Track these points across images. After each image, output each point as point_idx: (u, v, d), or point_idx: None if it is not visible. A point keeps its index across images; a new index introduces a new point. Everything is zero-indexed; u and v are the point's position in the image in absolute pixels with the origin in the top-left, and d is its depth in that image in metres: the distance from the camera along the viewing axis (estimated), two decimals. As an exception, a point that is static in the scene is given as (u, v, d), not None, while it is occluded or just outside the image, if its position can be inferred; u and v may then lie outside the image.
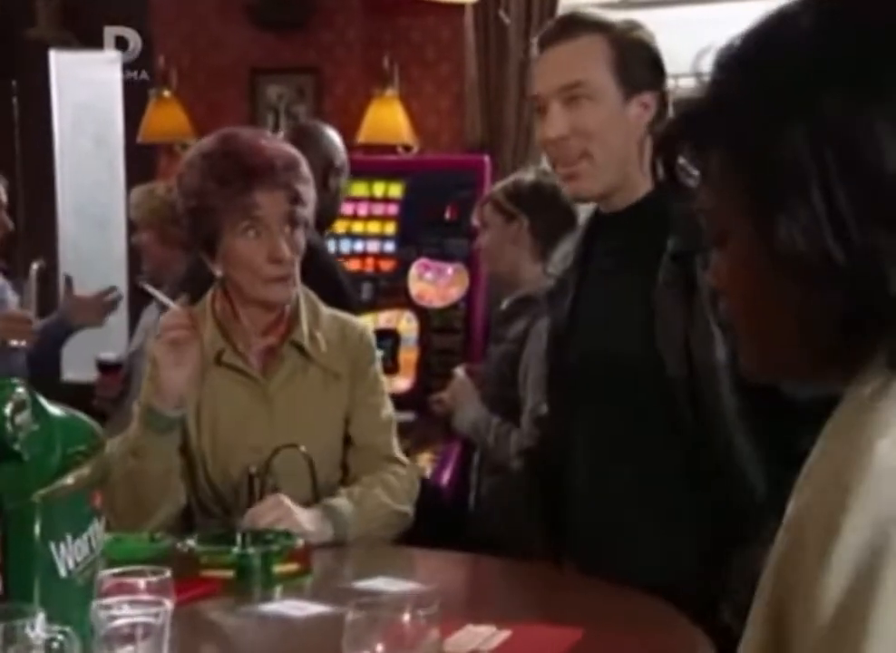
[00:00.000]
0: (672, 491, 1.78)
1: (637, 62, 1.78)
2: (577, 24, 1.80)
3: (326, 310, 2.15)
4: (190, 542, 1.82)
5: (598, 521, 1.85)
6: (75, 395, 3.36)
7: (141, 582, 1.29)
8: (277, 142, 2.07)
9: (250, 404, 2.05)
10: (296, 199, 2.00)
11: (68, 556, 1.27)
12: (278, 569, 1.78)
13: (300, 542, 1.82)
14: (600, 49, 1.77)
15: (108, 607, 1.22)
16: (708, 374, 1.72)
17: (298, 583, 1.77)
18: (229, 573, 1.77)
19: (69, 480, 1.29)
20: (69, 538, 1.27)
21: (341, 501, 1.98)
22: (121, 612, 1.21)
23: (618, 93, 1.77)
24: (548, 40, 1.82)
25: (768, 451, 1.71)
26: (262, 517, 1.88)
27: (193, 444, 2.05)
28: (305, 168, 2.04)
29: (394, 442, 2.12)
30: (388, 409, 2.13)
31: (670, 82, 1.85)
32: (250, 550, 1.79)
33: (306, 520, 1.91)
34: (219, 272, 2.05)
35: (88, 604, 1.23)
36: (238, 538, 1.82)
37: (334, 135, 3.04)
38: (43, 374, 3.25)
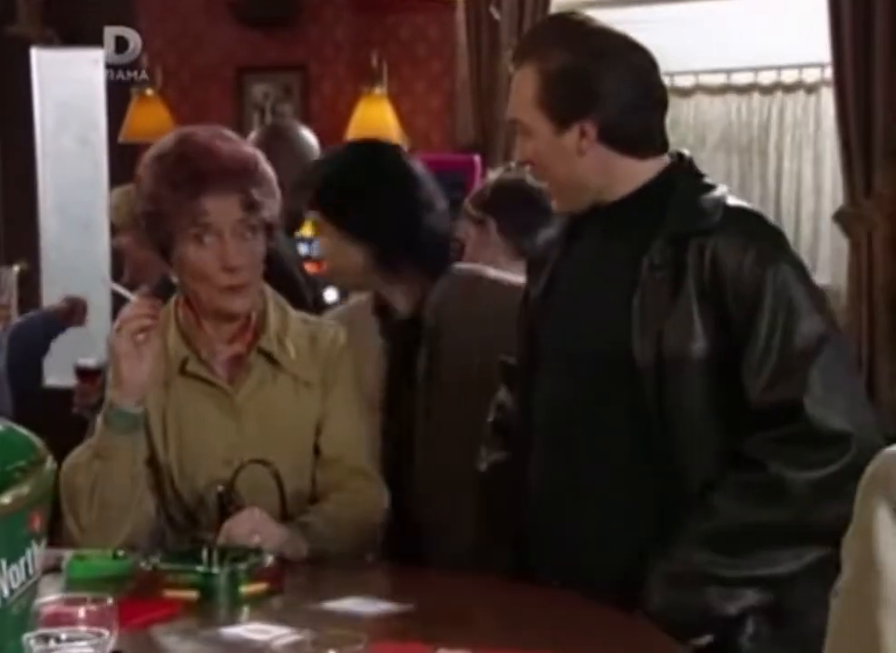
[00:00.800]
0: (635, 487, 1.74)
1: (565, 95, 1.75)
2: (524, 50, 1.81)
3: (295, 314, 2.06)
4: (154, 560, 1.74)
5: (558, 518, 1.81)
6: (57, 402, 3.31)
7: (81, 611, 1.19)
8: (234, 144, 1.96)
9: (217, 416, 1.98)
10: (251, 205, 1.91)
11: (3, 583, 1.18)
12: (246, 589, 1.69)
13: (270, 560, 1.74)
14: (529, 85, 1.77)
15: (45, 637, 1.13)
16: (677, 364, 1.68)
17: (267, 604, 1.69)
18: (193, 593, 1.68)
19: (5, 499, 1.20)
20: (4, 563, 1.19)
21: (313, 519, 1.91)
22: (59, 645, 1.13)
23: (549, 126, 1.77)
24: (511, 65, 1.84)
25: (719, 452, 1.70)
26: (236, 531, 1.80)
27: (160, 457, 1.98)
28: (263, 170, 1.94)
29: (366, 453, 2.04)
30: (361, 419, 2.05)
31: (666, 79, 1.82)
32: (215, 569, 1.70)
33: (283, 531, 1.84)
34: (175, 279, 1.99)
35: (23, 634, 1.14)
36: (205, 555, 1.73)
37: (310, 137, 2.96)
38: (30, 365, 3.18)
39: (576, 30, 1.80)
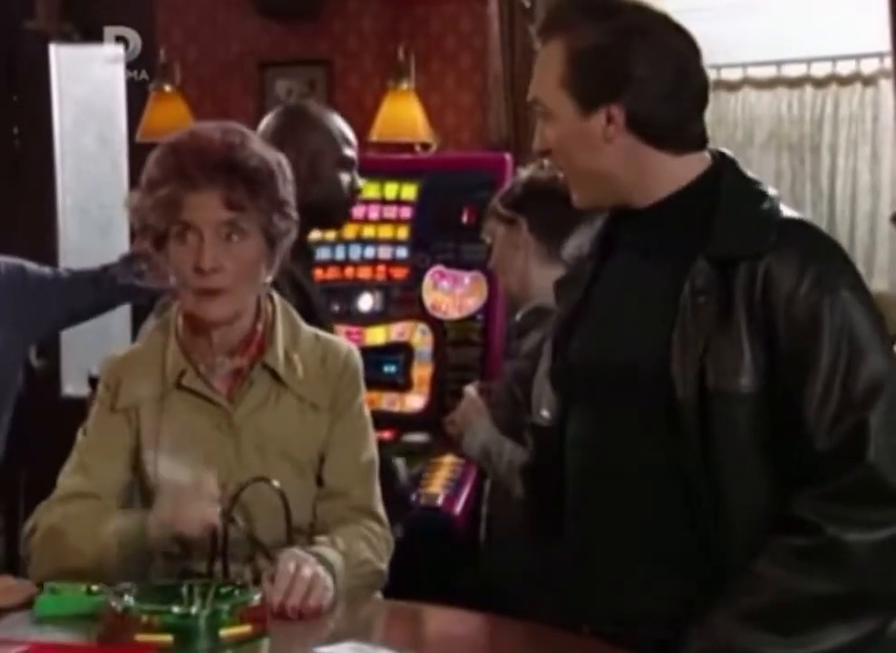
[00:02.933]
0: (669, 528, 1.58)
1: (593, 74, 1.58)
2: (551, 24, 1.63)
3: (307, 329, 1.93)
4: (128, 598, 1.57)
5: (587, 556, 1.66)
6: (74, 411, 3.20)
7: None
8: (239, 140, 1.81)
9: (214, 435, 1.85)
10: (236, 206, 1.78)
11: None
12: (227, 632, 1.53)
13: (257, 598, 1.57)
14: (555, 62, 1.62)
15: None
16: (723, 398, 1.51)
17: (252, 650, 1.53)
18: (168, 638, 1.52)
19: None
20: None
21: (327, 551, 1.76)
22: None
23: (573, 108, 1.60)
24: (537, 38, 1.66)
25: (768, 493, 1.52)
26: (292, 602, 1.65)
27: (150, 479, 1.85)
28: (257, 170, 1.80)
29: (374, 491, 1.91)
30: (370, 452, 1.92)
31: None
32: (193, 610, 1.54)
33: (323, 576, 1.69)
34: (173, 281, 1.86)
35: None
36: (185, 591, 1.59)
37: (337, 118, 2.76)
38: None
39: (611, 3, 1.61)
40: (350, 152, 2.75)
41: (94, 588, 1.67)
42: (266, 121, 2.75)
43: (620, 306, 1.65)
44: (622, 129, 1.58)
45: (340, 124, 2.75)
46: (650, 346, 1.56)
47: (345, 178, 2.72)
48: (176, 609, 1.53)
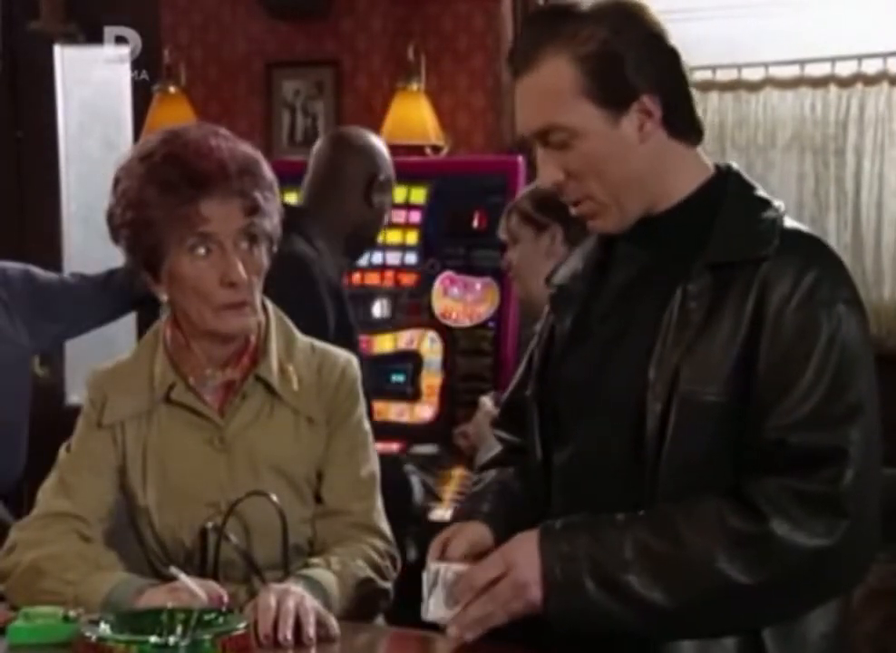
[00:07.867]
0: None
1: (617, 73, 1.50)
2: (538, 43, 1.52)
3: (302, 339, 1.87)
4: (103, 627, 1.49)
5: None
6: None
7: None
8: (231, 142, 1.76)
9: (205, 451, 1.79)
10: (254, 210, 1.72)
11: None
12: (209, 663, 1.44)
13: (242, 626, 1.49)
14: (567, 77, 1.50)
15: None
16: (690, 408, 1.45)
17: (234, 681, 1.43)
18: (143, 670, 1.43)
19: None
20: None
21: (320, 572, 1.68)
22: None
23: (604, 117, 1.50)
24: (514, 68, 1.55)
25: None
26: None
27: (139, 500, 1.80)
28: (266, 171, 1.76)
29: (376, 506, 1.83)
30: (371, 465, 1.85)
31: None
32: (172, 640, 1.45)
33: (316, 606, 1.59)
34: (163, 296, 1.78)
35: None
36: (164, 618, 1.52)
37: (379, 144, 2.89)
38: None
39: (589, 5, 1.53)
40: None
41: (71, 613, 1.59)
42: (319, 144, 2.93)
43: (615, 330, 1.57)
44: (658, 121, 1.51)
45: (384, 149, 2.93)
46: (640, 358, 1.50)
47: (382, 201, 2.88)
48: (153, 639, 1.45)
